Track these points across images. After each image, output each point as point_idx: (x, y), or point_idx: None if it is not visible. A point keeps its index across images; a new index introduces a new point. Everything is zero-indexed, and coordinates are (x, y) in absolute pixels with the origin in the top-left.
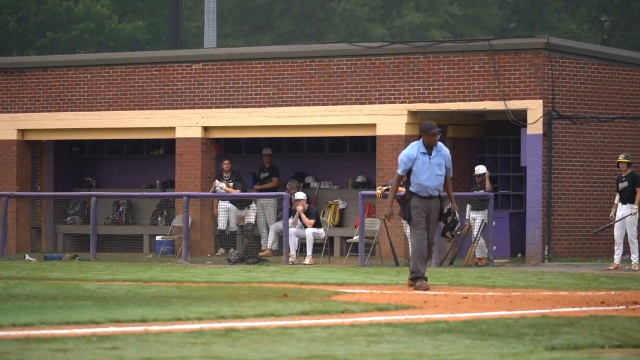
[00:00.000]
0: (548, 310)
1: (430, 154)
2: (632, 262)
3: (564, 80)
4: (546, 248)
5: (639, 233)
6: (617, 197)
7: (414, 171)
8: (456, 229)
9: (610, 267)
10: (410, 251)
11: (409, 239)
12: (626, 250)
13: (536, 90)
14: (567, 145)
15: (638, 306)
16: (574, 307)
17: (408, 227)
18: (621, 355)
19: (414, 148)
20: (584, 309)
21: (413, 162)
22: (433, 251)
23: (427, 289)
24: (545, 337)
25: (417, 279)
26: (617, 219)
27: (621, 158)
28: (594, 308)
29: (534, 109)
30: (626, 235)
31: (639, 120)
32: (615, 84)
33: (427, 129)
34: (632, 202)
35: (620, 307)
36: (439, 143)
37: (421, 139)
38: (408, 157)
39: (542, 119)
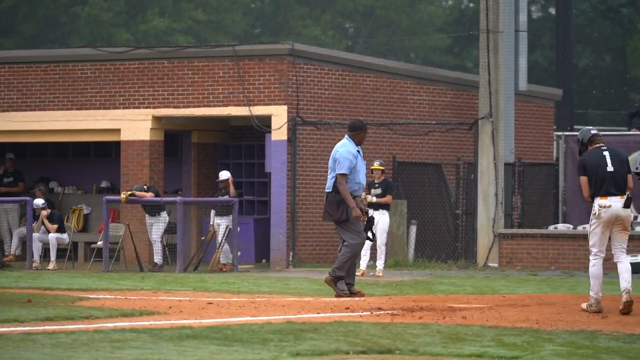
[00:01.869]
0: (293, 316)
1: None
2: (377, 268)
3: (308, 86)
4: (291, 254)
5: (388, 240)
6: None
7: (353, 169)
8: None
9: (357, 273)
10: (343, 253)
11: (156, 244)
12: (371, 257)
13: (280, 96)
14: (311, 151)
15: (382, 312)
16: (318, 313)
17: (154, 234)
18: None
19: (351, 145)
20: (328, 314)
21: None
22: None
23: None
24: (290, 343)
25: (339, 279)
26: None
27: (376, 165)
28: (338, 314)
29: (279, 115)
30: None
31: (383, 126)
32: (359, 90)
33: (363, 126)
34: (385, 208)
35: (365, 313)
36: None
37: (347, 137)
38: (353, 155)
39: (286, 124)
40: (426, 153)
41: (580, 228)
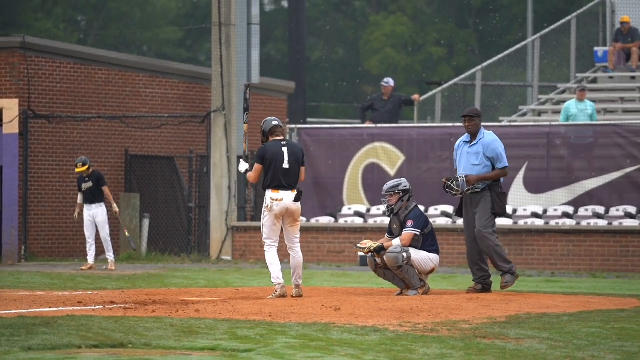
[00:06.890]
0: (25, 311)
1: (470, 142)
2: (109, 261)
3: (40, 80)
4: (23, 248)
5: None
6: (80, 197)
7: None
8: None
9: (84, 267)
10: (493, 245)
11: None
12: (101, 250)
13: (12, 89)
14: (43, 145)
15: (115, 306)
16: (50, 307)
17: None
18: (98, 356)
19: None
20: (60, 309)
21: (455, 152)
22: None
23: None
24: (22, 338)
25: (505, 274)
26: (86, 218)
27: (79, 167)
28: (70, 308)
29: (10, 108)
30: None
31: (115, 119)
32: (91, 84)
33: (466, 114)
34: (98, 202)
35: (98, 306)
36: (484, 131)
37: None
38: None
39: (18, 118)
40: (159, 146)
41: (313, 221)
